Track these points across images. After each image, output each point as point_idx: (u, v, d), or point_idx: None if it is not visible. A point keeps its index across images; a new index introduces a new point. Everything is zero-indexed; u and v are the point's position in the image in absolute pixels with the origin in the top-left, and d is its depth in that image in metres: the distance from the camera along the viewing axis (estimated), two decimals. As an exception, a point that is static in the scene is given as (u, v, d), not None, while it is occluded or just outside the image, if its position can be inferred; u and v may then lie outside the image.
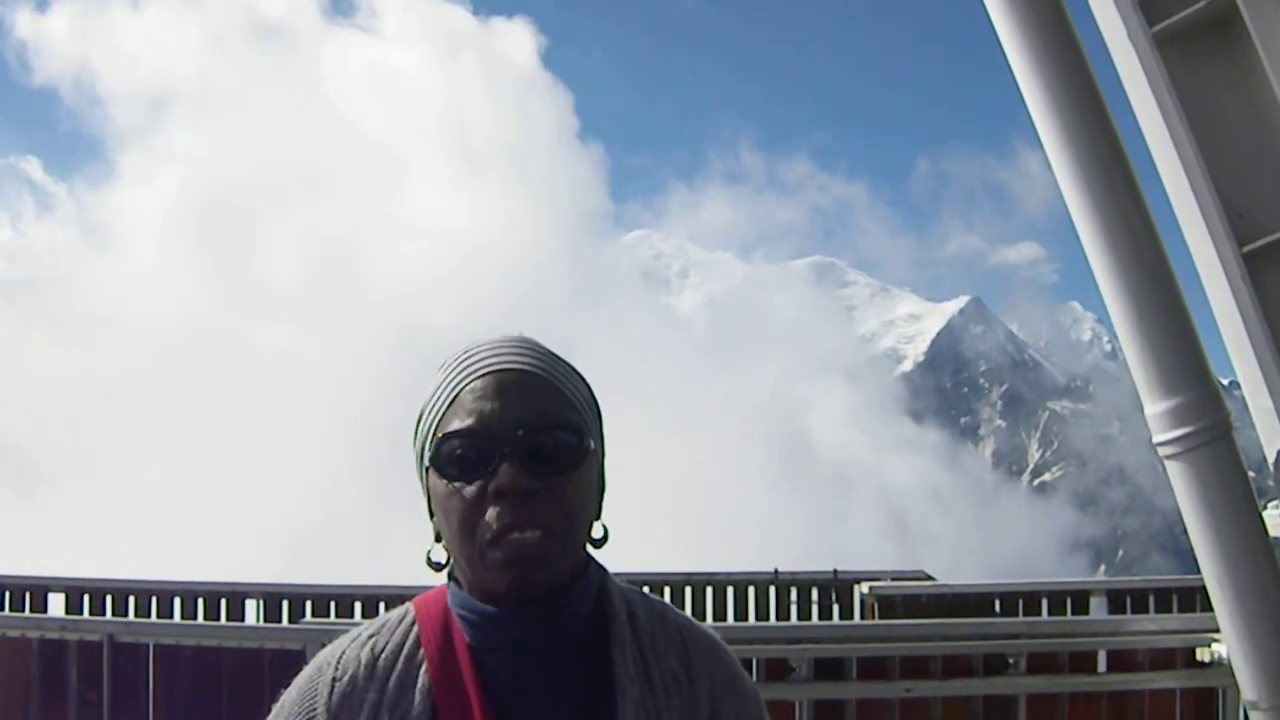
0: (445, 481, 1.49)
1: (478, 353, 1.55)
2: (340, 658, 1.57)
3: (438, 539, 1.57)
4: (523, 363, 1.54)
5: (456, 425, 1.49)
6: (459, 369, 1.55)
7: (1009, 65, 4.24)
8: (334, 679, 1.54)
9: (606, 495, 1.61)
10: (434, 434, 1.52)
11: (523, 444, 1.46)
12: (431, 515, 1.56)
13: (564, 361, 1.59)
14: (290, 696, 1.58)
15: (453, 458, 1.48)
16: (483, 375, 1.52)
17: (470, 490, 1.47)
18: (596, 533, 1.58)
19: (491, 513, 1.45)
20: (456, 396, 1.52)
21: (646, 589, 1.68)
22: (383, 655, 1.55)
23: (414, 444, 1.58)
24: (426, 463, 1.53)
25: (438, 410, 1.53)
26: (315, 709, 1.53)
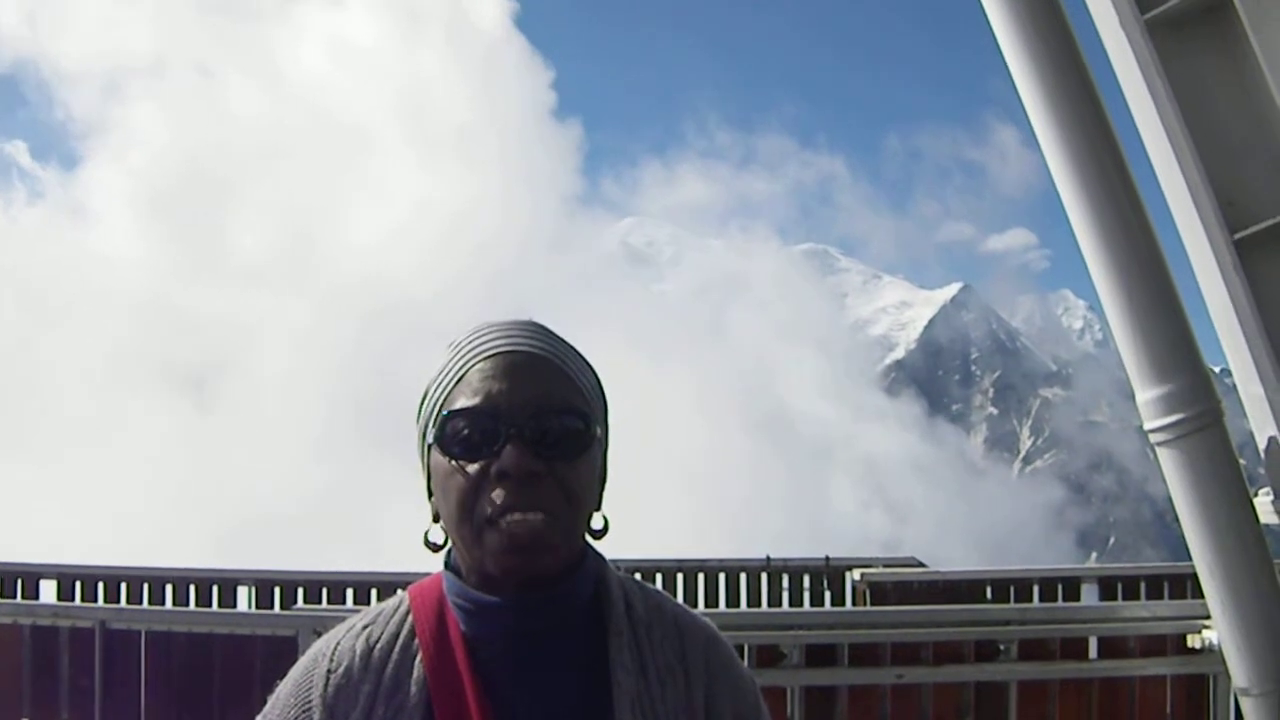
0: (448, 460, 1.47)
1: (487, 333, 1.54)
2: (335, 649, 1.55)
3: (435, 519, 1.55)
4: (532, 346, 1.52)
5: (462, 404, 1.48)
6: (468, 348, 1.53)
7: (1001, 52, 4.23)
8: (329, 670, 1.52)
9: (608, 486, 1.60)
10: (439, 412, 1.50)
11: (529, 426, 1.45)
12: (430, 494, 1.54)
13: (573, 348, 1.58)
14: (285, 689, 1.56)
15: (457, 436, 1.47)
16: (491, 356, 1.50)
17: (473, 470, 1.45)
18: (596, 523, 1.57)
19: (493, 494, 1.43)
20: (464, 375, 1.50)
21: (638, 576, 1.67)
22: (378, 646, 1.53)
23: (417, 421, 1.56)
24: (429, 440, 1.51)
25: (444, 388, 1.52)
26: (311, 701, 1.51)
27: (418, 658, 1.51)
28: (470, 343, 1.54)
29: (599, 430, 1.54)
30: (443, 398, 1.51)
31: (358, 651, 1.53)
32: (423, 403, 1.55)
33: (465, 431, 1.47)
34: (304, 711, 1.51)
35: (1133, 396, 4.16)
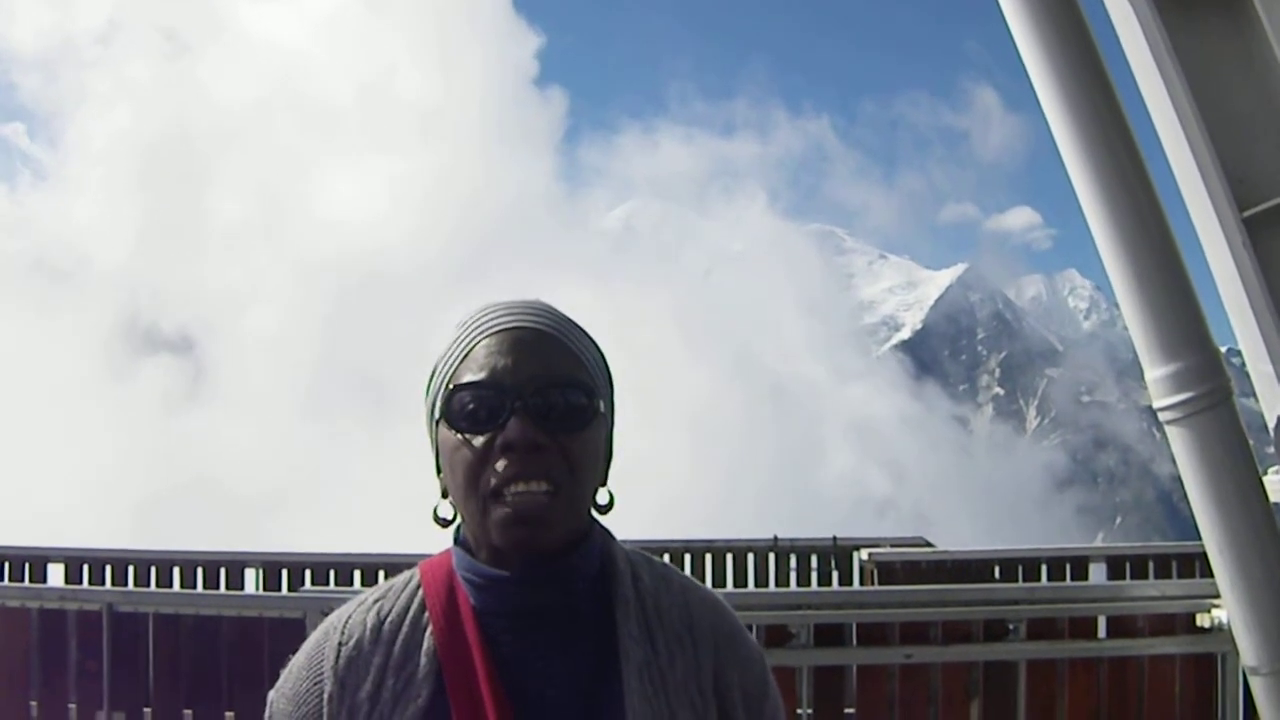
0: (454, 434, 1.50)
1: (493, 311, 1.57)
2: (346, 622, 1.58)
3: (444, 494, 1.58)
4: (538, 323, 1.55)
5: (468, 378, 1.50)
6: (474, 325, 1.56)
7: (1009, 28, 4.21)
8: (340, 643, 1.55)
9: (614, 463, 1.62)
10: (446, 387, 1.53)
11: (533, 400, 1.48)
12: (439, 470, 1.57)
13: (579, 326, 1.61)
14: (298, 661, 1.60)
15: (463, 410, 1.50)
16: (497, 332, 1.53)
17: (479, 443, 1.48)
18: (602, 499, 1.60)
19: (498, 465, 1.46)
20: (470, 351, 1.53)
21: (643, 555, 1.69)
22: (388, 619, 1.56)
23: (425, 397, 1.59)
24: (437, 415, 1.54)
25: (451, 364, 1.54)
26: (322, 673, 1.54)
27: (428, 630, 1.54)
28: (476, 320, 1.57)
29: (602, 405, 1.56)
30: (450, 373, 1.54)
31: (368, 625, 1.56)
32: (431, 379, 1.58)
33: (471, 405, 1.50)
34: (315, 683, 1.55)
35: (1141, 375, 4.15)
